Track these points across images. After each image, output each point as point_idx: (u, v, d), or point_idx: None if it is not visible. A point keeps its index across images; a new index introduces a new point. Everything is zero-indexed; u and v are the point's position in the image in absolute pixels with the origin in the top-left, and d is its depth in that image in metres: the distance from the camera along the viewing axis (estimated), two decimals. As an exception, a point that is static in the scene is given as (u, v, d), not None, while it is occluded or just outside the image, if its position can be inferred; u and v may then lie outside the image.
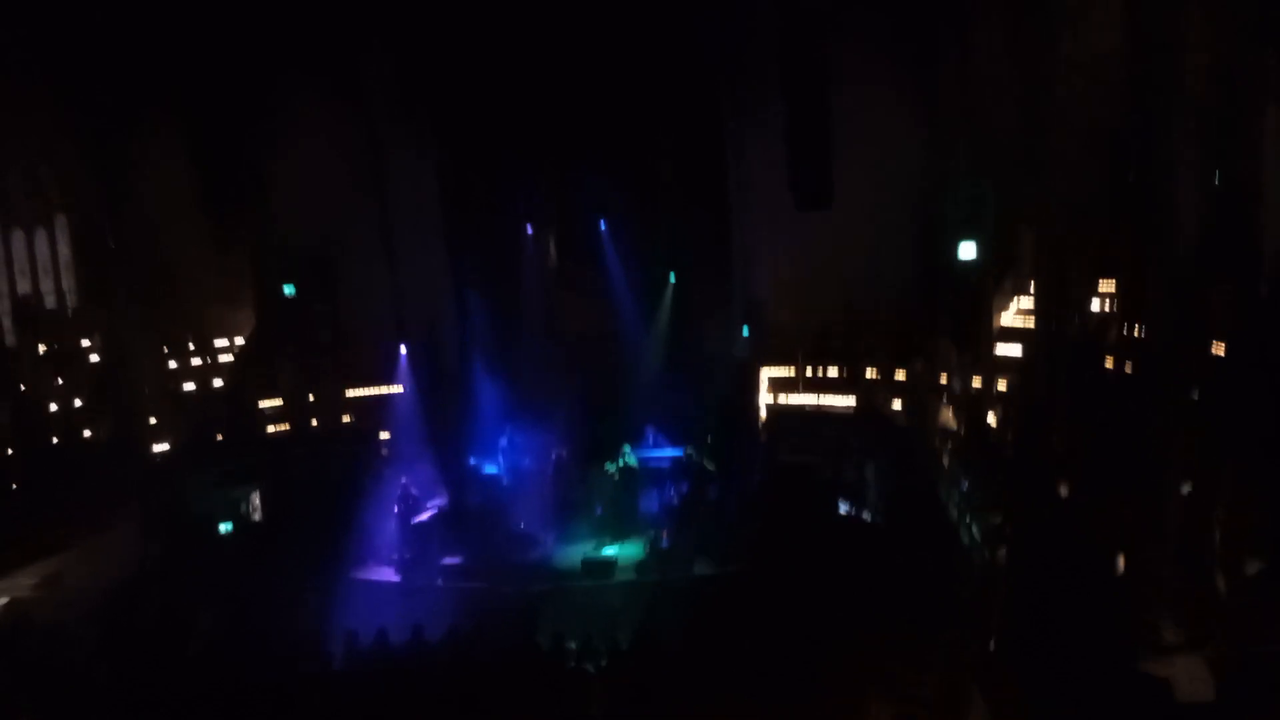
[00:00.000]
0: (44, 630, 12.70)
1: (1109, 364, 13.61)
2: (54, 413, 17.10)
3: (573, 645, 12.13)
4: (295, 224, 18.71)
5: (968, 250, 16.73)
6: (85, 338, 18.98)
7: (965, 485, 12.59)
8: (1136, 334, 13.82)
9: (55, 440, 16.54)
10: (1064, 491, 10.68)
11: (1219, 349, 12.01)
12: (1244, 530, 8.05)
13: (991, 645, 8.24)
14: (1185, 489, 9.18)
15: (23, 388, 17.67)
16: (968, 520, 12.23)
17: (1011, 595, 9.27)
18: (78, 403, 17.69)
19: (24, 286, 19.20)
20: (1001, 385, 15.37)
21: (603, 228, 19.27)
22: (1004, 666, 6.32)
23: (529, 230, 19.67)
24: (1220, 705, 4.63)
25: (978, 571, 11.39)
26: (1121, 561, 8.82)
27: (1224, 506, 8.48)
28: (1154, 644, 5.48)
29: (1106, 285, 15.49)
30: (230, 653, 11.22)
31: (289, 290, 18.93)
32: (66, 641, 11.45)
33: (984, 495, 11.87)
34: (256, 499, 17.85)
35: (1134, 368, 13.06)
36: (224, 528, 16.60)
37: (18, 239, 19.29)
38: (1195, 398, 11.20)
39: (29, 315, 18.88)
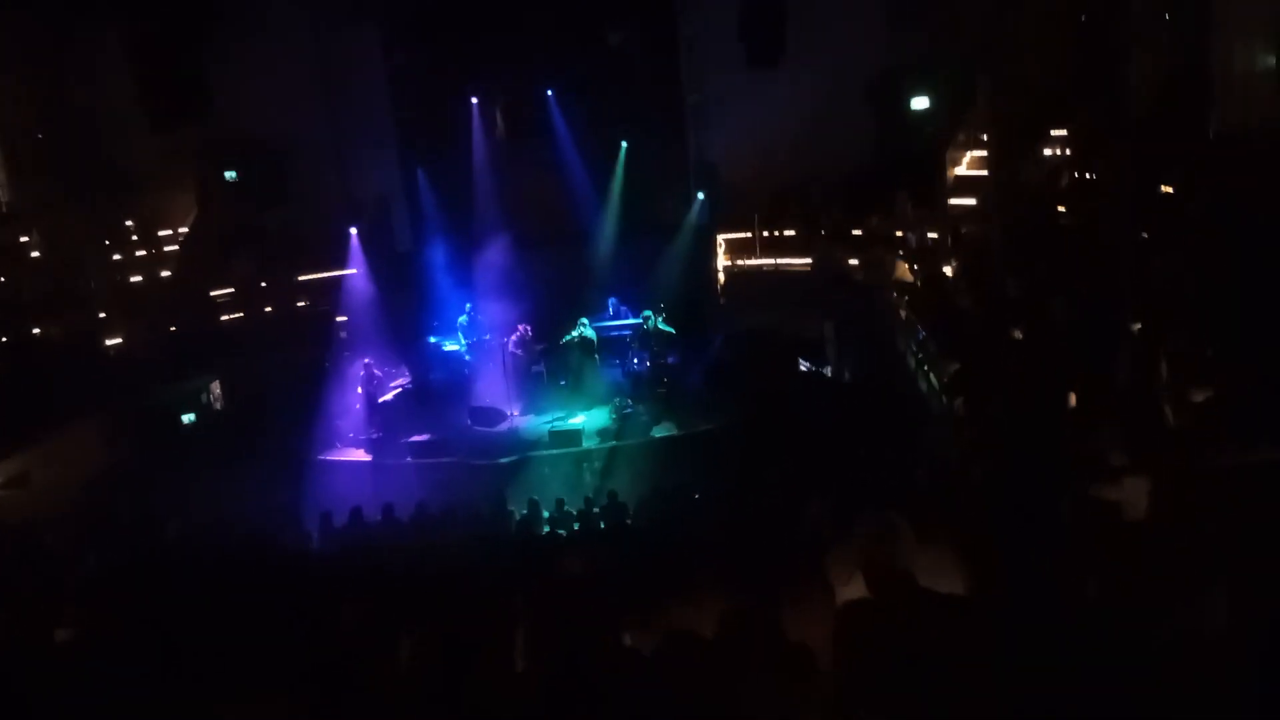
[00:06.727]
0: (16, 529, 12.69)
1: (1061, 208, 13.72)
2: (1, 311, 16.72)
3: (545, 513, 12.40)
4: (239, 110, 18.11)
5: (920, 102, 16.61)
6: (24, 234, 18.44)
7: (921, 335, 12.76)
8: (1088, 178, 13.91)
9: (5, 339, 16.19)
10: (1018, 335, 10.87)
11: (1168, 189, 12.14)
12: (1191, 362, 8.22)
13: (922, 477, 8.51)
14: (1135, 326, 9.36)
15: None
16: (925, 369, 12.45)
17: (970, 437, 9.53)
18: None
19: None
20: (957, 236, 15.47)
21: (550, 97, 18.76)
22: (934, 500, 6.51)
23: (475, 103, 19.13)
24: (1162, 521, 4.84)
25: (935, 417, 11.67)
26: (1073, 398, 9.05)
27: (1173, 341, 8.64)
28: (1103, 469, 5.67)
29: (1058, 131, 15.49)
30: (208, 537, 11.31)
31: (230, 175, 18.42)
32: (40, 540, 11.45)
33: (940, 343, 12.05)
34: (217, 388, 17.75)
35: (1085, 210, 13.18)
36: (186, 418, 16.55)
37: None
38: (1145, 236, 11.36)
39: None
